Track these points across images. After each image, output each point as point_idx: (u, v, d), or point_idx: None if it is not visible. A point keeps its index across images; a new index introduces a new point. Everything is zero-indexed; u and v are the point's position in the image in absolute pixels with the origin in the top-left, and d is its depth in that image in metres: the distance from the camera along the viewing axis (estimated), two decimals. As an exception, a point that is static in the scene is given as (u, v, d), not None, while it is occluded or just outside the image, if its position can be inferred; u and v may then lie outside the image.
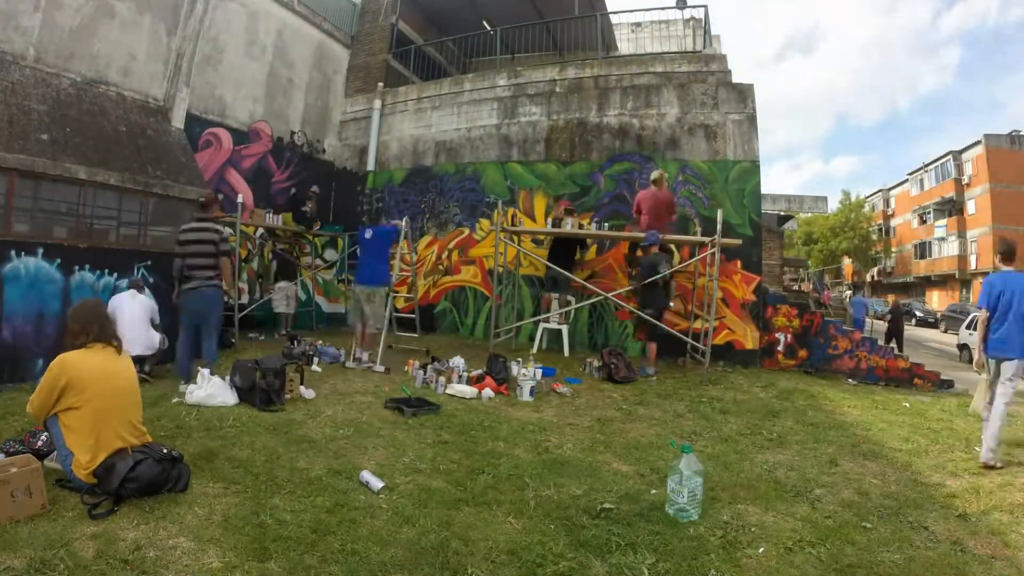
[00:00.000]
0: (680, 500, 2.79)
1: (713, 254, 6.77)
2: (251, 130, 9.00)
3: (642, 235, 7.23)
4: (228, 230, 6.10)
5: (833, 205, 37.25)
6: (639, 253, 7.49)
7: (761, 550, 2.49)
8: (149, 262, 6.04)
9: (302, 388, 4.87)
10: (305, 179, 10.10)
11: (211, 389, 4.47)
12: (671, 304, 7.25)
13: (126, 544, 2.26)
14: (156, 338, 5.31)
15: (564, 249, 8.15)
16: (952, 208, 28.51)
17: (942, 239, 29.07)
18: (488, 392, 5.27)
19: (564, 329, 7.91)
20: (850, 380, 7.32)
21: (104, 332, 2.89)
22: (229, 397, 4.48)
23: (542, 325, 8.06)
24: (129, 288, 5.41)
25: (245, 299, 8.50)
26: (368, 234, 7.05)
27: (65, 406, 2.68)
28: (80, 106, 6.09)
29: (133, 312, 5.08)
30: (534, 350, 7.73)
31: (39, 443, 3.08)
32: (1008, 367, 3.92)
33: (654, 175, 7.45)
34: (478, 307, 9.34)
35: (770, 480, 3.41)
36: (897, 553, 2.51)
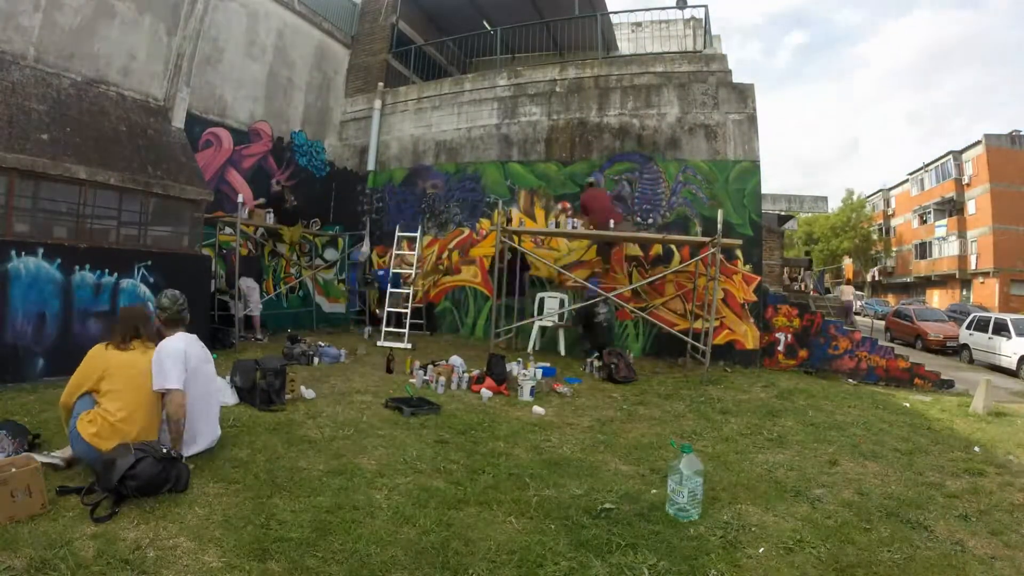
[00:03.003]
0: (680, 500, 2.79)
1: (714, 254, 6.77)
2: (251, 130, 9.00)
3: (643, 236, 7.24)
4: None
5: (833, 205, 37.29)
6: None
7: (761, 550, 2.49)
8: (149, 262, 6.04)
9: (302, 388, 4.87)
10: (305, 179, 10.11)
11: (211, 389, 4.47)
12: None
13: (126, 544, 2.26)
14: None
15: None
16: (952, 208, 28.45)
17: (942, 239, 29.02)
18: (487, 392, 5.28)
19: (560, 328, 7.92)
20: (850, 380, 7.32)
21: (135, 332, 3.16)
22: (229, 397, 4.48)
23: (536, 323, 8.07)
24: None
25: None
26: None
27: (104, 388, 2.95)
28: (80, 106, 6.09)
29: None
30: (529, 349, 7.75)
31: None
32: None
33: (589, 179, 8.19)
34: (478, 307, 9.34)
35: (770, 480, 3.40)
36: (897, 553, 2.51)
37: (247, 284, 7.98)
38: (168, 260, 6.27)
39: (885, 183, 38.94)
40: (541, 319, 8.14)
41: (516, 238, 8.40)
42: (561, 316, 8.07)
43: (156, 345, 3.19)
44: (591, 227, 7.58)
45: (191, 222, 6.74)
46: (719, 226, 6.68)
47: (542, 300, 8.42)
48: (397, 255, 8.95)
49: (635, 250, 8.41)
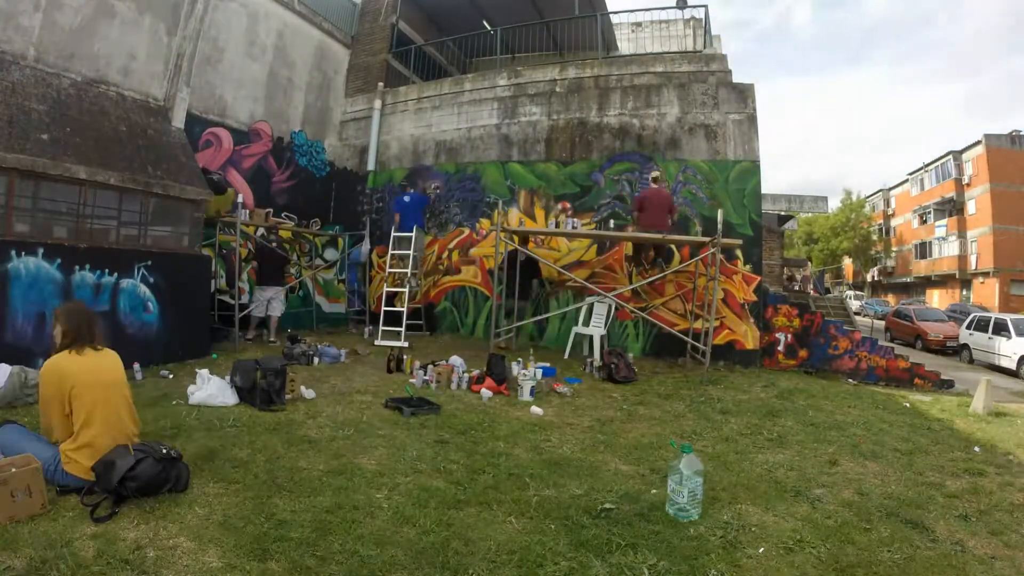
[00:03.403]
0: (680, 500, 2.79)
1: (713, 254, 6.77)
2: (251, 130, 9.00)
3: (644, 235, 7.20)
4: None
5: (833, 205, 37.33)
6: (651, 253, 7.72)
7: (761, 550, 2.49)
8: (149, 262, 6.04)
9: (302, 388, 4.87)
10: (305, 179, 10.12)
11: (211, 389, 4.47)
12: None
13: (126, 544, 2.26)
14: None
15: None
16: (952, 208, 28.46)
17: (942, 239, 29.03)
18: (487, 392, 5.28)
19: (596, 333, 7.57)
20: (850, 380, 7.32)
21: (90, 333, 2.88)
22: (229, 397, 4.49)
23: (575, 330, 7.85)
24: None
25: (245, 299, 8.50)
26: (406, 198, 8.96)
27: (75, 411, 2.71)
28: (80, 106, 6.09)
29: None
30: (567, 355, 7.59)
31: None
32: None
33: (654, 173, 7.67)
34: (478, 307, 9.34)
35: (770, 480, 3.40)
36: (897, 553, 2.51)
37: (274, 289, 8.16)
38: (168, 260, 6.27)
39: (885, 183, 38.97)
40: (587, 328, 7.70)
41: (530, 241, 8.35)
42: (606, 321, 7.74)
43: (104, 347, 2.92)
44: (636, 228, 7.44)
45: (191, 222, 6.74)
46: (719, 226, 6.68)
47: (591, 306, 7.89)
48: (394, 255, 8.89)
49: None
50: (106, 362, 2.91)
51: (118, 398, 2.89)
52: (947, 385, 7.36)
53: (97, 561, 2.12)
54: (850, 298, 29.43)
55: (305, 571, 2.16)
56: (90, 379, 2.76)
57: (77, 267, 5.38)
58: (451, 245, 9.67)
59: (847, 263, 41.72)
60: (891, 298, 32.57)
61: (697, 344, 7.15)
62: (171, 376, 5.41)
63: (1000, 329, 11.64)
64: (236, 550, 2.27)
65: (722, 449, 4.01)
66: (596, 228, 8.34)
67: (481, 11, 12.01)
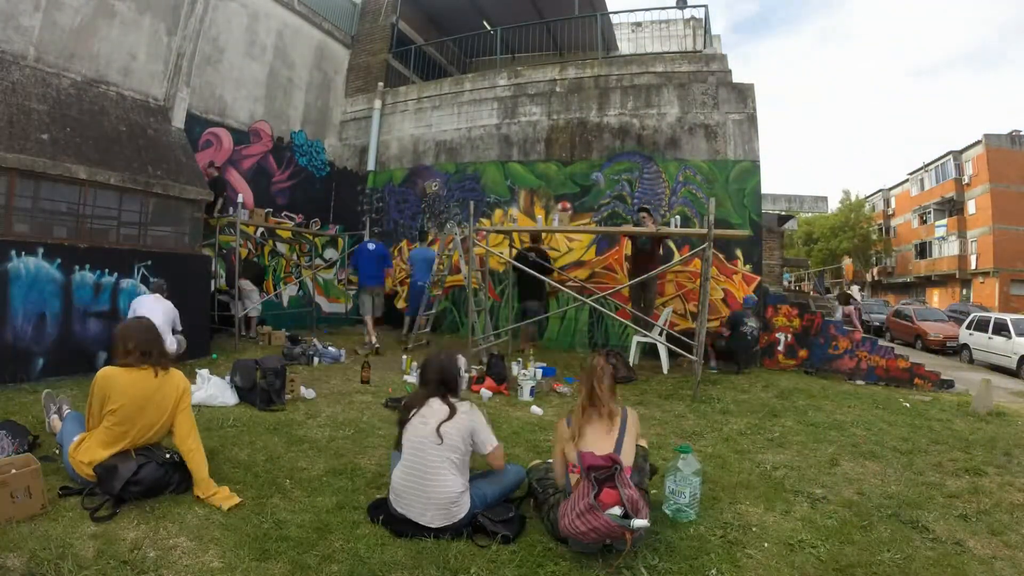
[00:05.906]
0: (680, 500, 2.79)
1: (705, 248, 6.69)
2: (251, 130, 9.01)
3: (642, 230, 7.14)
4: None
5: (833, 205, 37.32)
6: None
7: (761, 550, 2.49)
8: (149, 262, 6.04)
9: (302, 388, 4.88)
10: (305, 179, 10.12)
11: (212, 390, 4.47)
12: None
13: (126, 544, 2.26)
14: (173, 343, 5.11)
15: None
16: (952, 208, 28.45)
17: (942, 239, 29.03)
18: (487, 392, 5.28)
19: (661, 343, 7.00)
20: (850, 380, 7.31)
21: (150, 354, 2.81)
22: (229, 397, 4.49)
23: (636, 339, 7.43)
24: (153, 292, 5.41)
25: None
26: (371, 246, 8.04)
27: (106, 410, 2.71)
28: (80, 106, 6.09)
29: (154, 315, 4.52)
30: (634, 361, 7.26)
31: None
32: None
33: None
34: (478, 307, 9.32)
35: (770, 480, 3.40)
36: (897, 553, 2.51)
37: (246, 286, 7.87)
38: (168, 260, 6.27)
39: (885, 183, 38.98)
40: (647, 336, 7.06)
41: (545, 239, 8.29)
42: (661, 331, 7.22)
43: (170, 370, 2.86)
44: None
45: (191, 222, 6.74)
46: (710, 216, 6.55)
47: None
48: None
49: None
50: (164, 388, 2.80)
51: (160, 427, 2.79)
52: (947, 385, 7.35)
53: (97, 561, 2.12)
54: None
55: (305, 571, 2.16)
56: (132, 405, 2.70)
57: (77, 267, 5.39)
58: (451, 245, 9.65)
59: (847, 263, 41.70)
60: (891, 298, 32.56)
61: (690, 343, 7.11)
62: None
63: (1000, 329, 11.64)
64: (236, 550, 2.27)
65: (722, 449, 4.01)
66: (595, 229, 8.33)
67: (481, 11, 12.01)
